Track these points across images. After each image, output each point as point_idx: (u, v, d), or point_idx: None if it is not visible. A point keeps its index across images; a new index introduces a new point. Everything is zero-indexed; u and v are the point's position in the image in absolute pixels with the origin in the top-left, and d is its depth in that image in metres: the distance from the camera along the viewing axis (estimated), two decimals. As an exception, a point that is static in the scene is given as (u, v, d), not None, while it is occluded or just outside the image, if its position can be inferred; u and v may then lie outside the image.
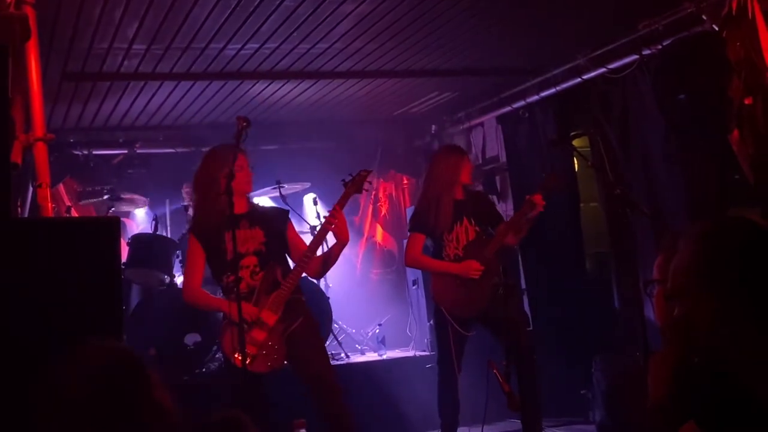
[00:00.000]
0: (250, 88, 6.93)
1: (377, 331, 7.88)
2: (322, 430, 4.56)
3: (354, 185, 4.88)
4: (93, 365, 1.49)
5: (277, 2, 5.05)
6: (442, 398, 5.57)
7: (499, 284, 5.33)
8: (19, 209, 3.97)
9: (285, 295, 4.64)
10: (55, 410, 1.43)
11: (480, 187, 7.90)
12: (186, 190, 7.88)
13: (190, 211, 7.74)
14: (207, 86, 6.76)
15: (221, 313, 6.79)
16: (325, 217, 5.43)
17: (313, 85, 6.96)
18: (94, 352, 1.51)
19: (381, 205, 9.28)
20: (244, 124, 4.25)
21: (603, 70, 6.29)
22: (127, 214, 8.03)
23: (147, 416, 1.47)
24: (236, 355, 4.41)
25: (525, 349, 5.41)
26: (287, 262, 4.92)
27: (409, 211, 8.35)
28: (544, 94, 7.07)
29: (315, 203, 8.04)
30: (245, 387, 4.38)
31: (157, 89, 6.74)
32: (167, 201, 8.11)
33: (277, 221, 4.89)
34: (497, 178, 8.17)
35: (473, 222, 5.51)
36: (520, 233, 5.48)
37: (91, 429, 1.42)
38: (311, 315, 4.85)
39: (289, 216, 4.99)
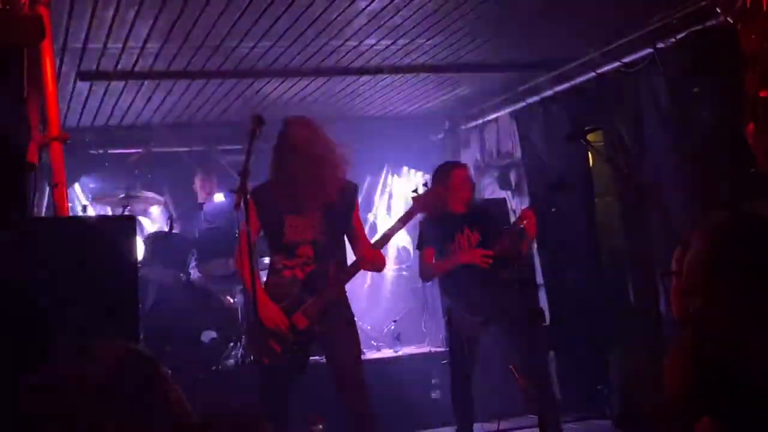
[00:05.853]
0: (264, 86, 6.94)
1: (392, 327, 7.90)
2: (341, 426, 4.53)
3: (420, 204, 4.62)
4: (104, 365, 1.49)
5: (290, 0, 5.06)
6: (455, 397, 5.54)
7: (513, 280, 5.32)
8: (35, 209, 3.99)
9: (326, 299, 4.40)
10: (64, 410, 1.43)
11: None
12: (199, 183, 7.88)
13: (205, 207, 7.78)
14: (220, 85, 6.78)
15: (237, 309, 6.85)
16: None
17: (326, 82, 6.97)
18: (104, 352, 1.51)
19: (394, 202, 9.28)
20: (258, 122, 4.24)
21: (617, 64, 6.27)
22: (143, 213, 8.06)
23: (159, 416, 1.47)
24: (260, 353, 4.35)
25: (539, 344, 5.40)
26: (345, 250, 4.56)
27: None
28: (558, 89, 7.04)
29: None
30: (267, 384, 4.38)
31: (171, 88, 6.76)
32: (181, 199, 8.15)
33: (345, 200, 4.49)
34: (512, 173, 8.15)
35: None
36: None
37: (100, 430, 1.42)
38: (351, 315, 4.55)
39: (357, 192, 4.57)
